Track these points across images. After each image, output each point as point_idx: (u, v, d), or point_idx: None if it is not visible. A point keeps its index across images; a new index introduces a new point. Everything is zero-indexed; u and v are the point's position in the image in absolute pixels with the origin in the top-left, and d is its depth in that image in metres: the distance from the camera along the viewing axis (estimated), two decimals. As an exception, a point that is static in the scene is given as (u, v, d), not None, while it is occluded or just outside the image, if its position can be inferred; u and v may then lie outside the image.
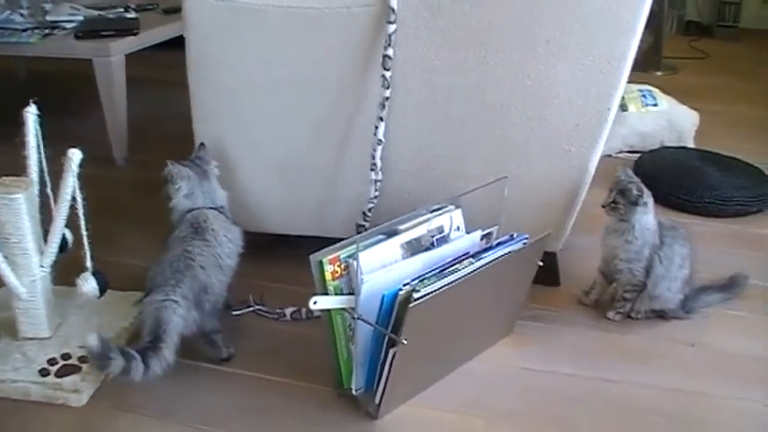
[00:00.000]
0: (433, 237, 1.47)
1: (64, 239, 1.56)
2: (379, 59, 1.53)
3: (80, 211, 1.46)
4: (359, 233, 1.64)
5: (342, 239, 1.37)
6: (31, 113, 1.48)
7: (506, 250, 1.42)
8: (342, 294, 1.34)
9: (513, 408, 1.40)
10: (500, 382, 1.46)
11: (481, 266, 1.36)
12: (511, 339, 1.58)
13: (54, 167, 1.50)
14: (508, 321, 1.58)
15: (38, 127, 1.50)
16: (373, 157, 1.60)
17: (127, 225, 2.06)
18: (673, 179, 2.21)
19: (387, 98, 1.56)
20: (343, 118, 1.62)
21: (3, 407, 1.40)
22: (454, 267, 1.36)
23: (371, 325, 1.30)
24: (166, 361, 1.33)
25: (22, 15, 2.73)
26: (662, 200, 2.14)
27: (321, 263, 1.33)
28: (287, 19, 1.55)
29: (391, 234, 1.43)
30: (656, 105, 2.52)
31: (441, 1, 1.47)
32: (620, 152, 2.52)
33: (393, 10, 1.49)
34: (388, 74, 1.54)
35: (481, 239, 1.50)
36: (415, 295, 1.25)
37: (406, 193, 1.68)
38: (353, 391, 1.38)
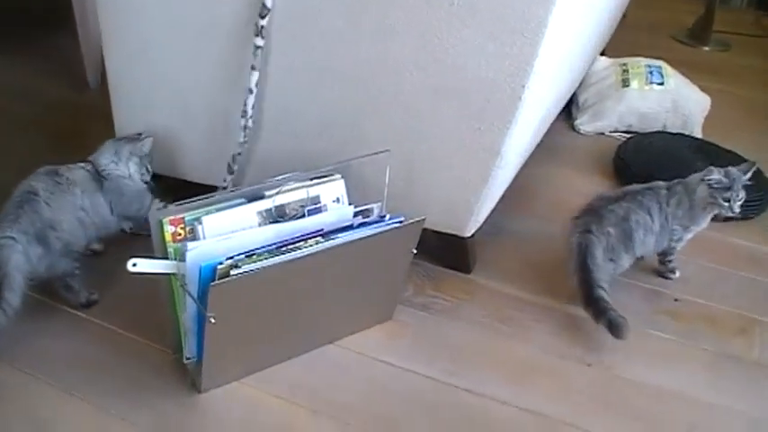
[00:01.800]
0: (303, 206, 1.36)
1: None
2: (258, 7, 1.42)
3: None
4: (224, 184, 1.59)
5: None
6: None
7: (366, 233, 1.29)
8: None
9: (348, 402, 1.29)
10: (347, 373, 1.35)
11: (328, 248, 1.25)
12: (386, 327, 1.46)
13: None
14: (384, 307, 1.46)
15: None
16: (245, 104, 1.51)
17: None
18: (652, 169, 1.94)
19: (259, 47, 1.45)
20: (235, 65, 1.52)
21: None
22: (296, 245, 1.25)
23: (191, 296, 1.21)
24: (12, 306, 1.29)
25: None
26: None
27: (161, 222, 1.25)
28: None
29: (255, 198, 1.33)
30: (661, 84, 2.26)
31: (333, -51, 1.33)
32: (615, 131, 2.29)
33: None
34: (262, 21, 1.42)
35: (356, 215, 1.38)
36: (234, 272, 1.16)
37: (294, 154, 1.57)
38: (185, 360, 1.31)
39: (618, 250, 1.52)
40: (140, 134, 1.60)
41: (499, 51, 1.33)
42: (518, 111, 1.38)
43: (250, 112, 1.52)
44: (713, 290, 1.64)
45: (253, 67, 1.48)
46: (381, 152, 1.37)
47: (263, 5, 1.42)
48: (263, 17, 1.43)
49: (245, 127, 1.55)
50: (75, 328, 1.43)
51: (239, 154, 1.58)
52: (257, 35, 1.45)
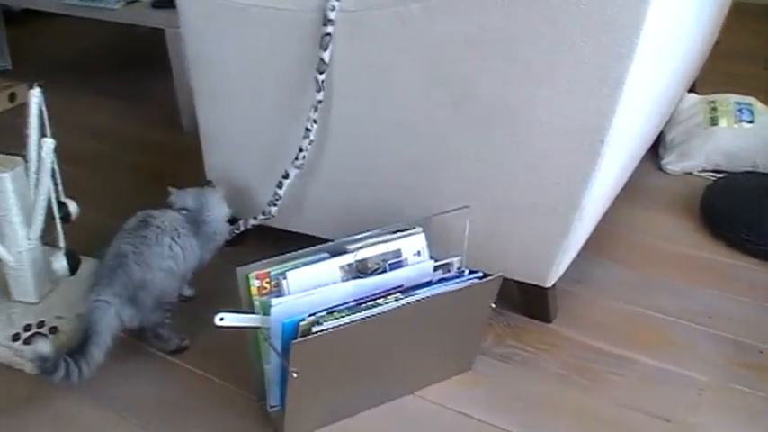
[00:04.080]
0: (385, 260, 1.40)
1: (67, 210, 1.66)
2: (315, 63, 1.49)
3: (53, 196, 1.55)
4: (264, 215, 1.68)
5: (323, 240, 1.38)
6: (34, 96, 1.56)
7: (445, 289, 1.32)
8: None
9: (426, 456, 1.32)
10: (425, 424, 1.37)
11: (406, 304, 1.28)
12: (465, 377, 1.48)
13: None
14: (463, 358, 1.48)
15: (42, 109, 1.57)
16: (300, 150, 1.58)
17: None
18: (735, 212, 1.92)
19: (320, 101, 1.51)
20: (328, 118, 1.57)
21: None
22: (376, 302, 1.28)
23: (275, 350, 1.27)
24: (95, 360, 1.36)
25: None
26: (725, 236, 1.91)
27: (247, 277, 1.31)
28: (266, 18, 1.51)
29: (338, 252, 1.38)
30: (751, 122, 2.20)
31: (411, 10, 1.36)
32: (704, 171, 2.23)
33: (329, 20, 1.45)
34: (321, 76, 1.49)
35: (435, 269, 1.40)
36: (315, 329, 1.21)
37: (379, 207, 1.61)
38: (269, 408, 1.37)
39: None
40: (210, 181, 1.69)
41: (576, 107, 1.34)
42: (597, 165, 1.38)
43: (300, 159, 1.59)
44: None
45: (314, 122, 1.54)
46: (461, 208, 1.39)
47: (321, 60, 1.48)
48: (321, 72, 1.49)
49: (294, 167, 1.61)
50: (165, 371, 1.50)
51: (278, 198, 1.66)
52: (318, 90, 1.51)
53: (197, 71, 1.69)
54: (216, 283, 1.68)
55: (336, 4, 1.44)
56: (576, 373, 1.50)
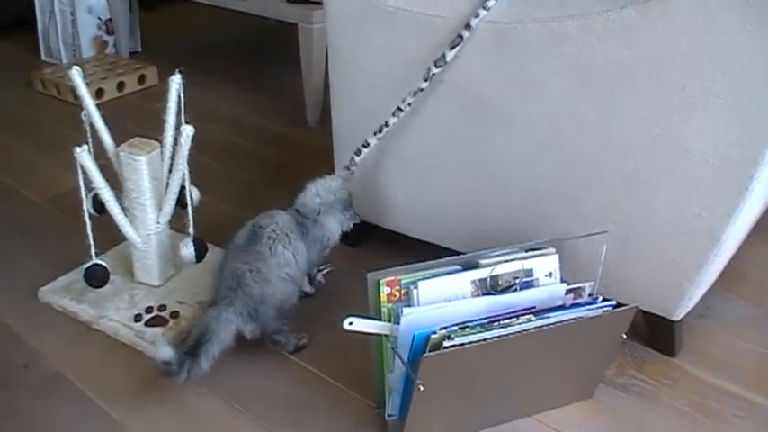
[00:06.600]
0: (517, 278, 1.37)
1: (191, 197, 1.68)
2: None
3: (186, 182, 1.58)
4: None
5: (456, 253, 1.36)
6: (174, 82, 1.59)
7: (578, 315, 1.29)
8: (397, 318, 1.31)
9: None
10: (544, 449, 1.35)
11: (538, 327, 1.25)
12: (586, 405, 1.44)
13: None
14: (585, 385, 1.44)
15: (181, 95, 1.60)
16: (386, 124, 1.58)
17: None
18: None
19: (421, 89, 1.51)
20: (467, 130, 1.56)
21: (94, 337, 1.58)
22: (508, 321, 1.26)
23: (401, 360, 1.25)
24: (201, 369, 1.38)
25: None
26: None
27: (378, 283, 1.31)
28: (414, 23, 1.50)
29: (470, 266, 1.36)
30: None
31: (566, 27, 1.33)
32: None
33: (469, 25, 1.43)
34: (435, 69, 1.48)
35: (567, 293, 1.37)
36: (446, 343, 1.19)
37: (509, 222, 1.59)
38: (386, 417, 1.36)
39: None
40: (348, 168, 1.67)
41: (729, 138, 1.28)
42: (744, 200, 1.33)
43: (381, 133, 1.59)
44: None
45: (409, 104, 1.54)
46: (600, 233, 1.36)
47: (443, 56, 1.47)
48: (437, 66, 1.48)
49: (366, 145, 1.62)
50: (282, 368, 1.51)
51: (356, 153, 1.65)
52: (425, 80, 1.50)
53: (337, 67, 1.69)
54: (335, 282, 1.69)
55: (483, 13, 1.42)
56: (698, 412, 1.44)
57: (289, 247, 1.48)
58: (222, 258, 1.51)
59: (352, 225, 1.65)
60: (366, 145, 1.63)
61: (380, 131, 1.60)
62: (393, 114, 1.56)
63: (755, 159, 1.28)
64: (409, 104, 1.54)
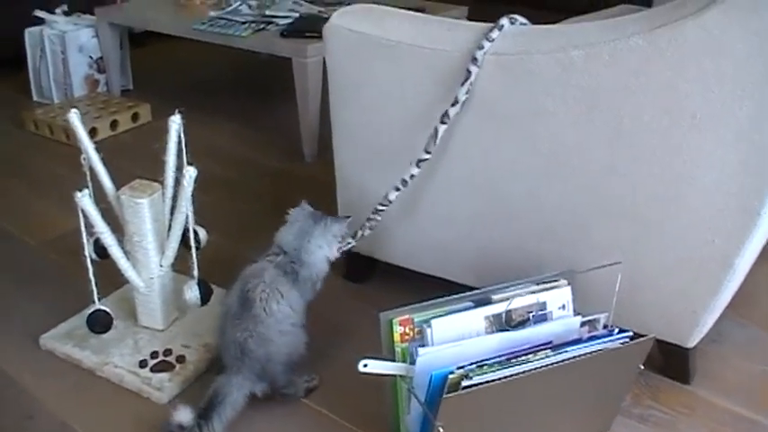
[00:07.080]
0: (530, 313, 1.35)
1: (197, 238, 1.65)
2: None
3: (190, 224, 1.55)
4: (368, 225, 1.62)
5: (465, 287, 1.34)
6: (174, 122, 1.57)
7: (596, 348, 1.26)
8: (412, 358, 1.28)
9: None
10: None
11: (557, 362, 1.23)
12: (603, 437, 1.42)
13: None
14: (603, 418, 1.41)
15: (181, 135, 1.58)
16: (403, 181, 1.55)
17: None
18: None
19: (437, 132, 1.49)
20: (470, 165, 1.55)
21: (98, 384, 1.55)
22: (526, 357, 1.24)
23: (419, 402, 1.23)
24: (228, 419, 1.37)
25: (249, 7, 2.90)
26: None
27: (391, 323, 1.29)
28: (417, 57, 1.49)
29: (482, 302, 1.34)
30: None
31: (572, 57, 1.33)
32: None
33: (475, 59, 1.42)
34: (451, 110, 1.46)
35: (582, 326, 1.35)
36: (465, 383, 1.17)
37: (518, 254, 1.57)
38: (404, 458, 1.33)
39: None
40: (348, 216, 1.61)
41: (740, 164, 1.28)
42: (756, 226, 1.32)
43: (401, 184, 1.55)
44: None
45: (428, 152, 1.51)
46: (613, 264, 1.34)
47: (456, 100, 1.45)
48: (452, 105, 1.46)
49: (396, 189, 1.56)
50: (294, 412, 1.48)
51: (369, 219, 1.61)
52: (442, 122, 1.48)
53: (338, 105, 1.67)
54: (339, 317, 1.66)
55: (488, 45, 1.42)
56: (719, 442, 1.42)
57: (282, 301, 1.44)
58: (221, 323, 1.47)
59: (340, 254, 1.59)
60: (387, 203, 1.58)
61: (404, 185, 1.55)
62: (417, 165, 1.52)
63: (766, 189, 1.28)
64: (429, 153, 1.51)
